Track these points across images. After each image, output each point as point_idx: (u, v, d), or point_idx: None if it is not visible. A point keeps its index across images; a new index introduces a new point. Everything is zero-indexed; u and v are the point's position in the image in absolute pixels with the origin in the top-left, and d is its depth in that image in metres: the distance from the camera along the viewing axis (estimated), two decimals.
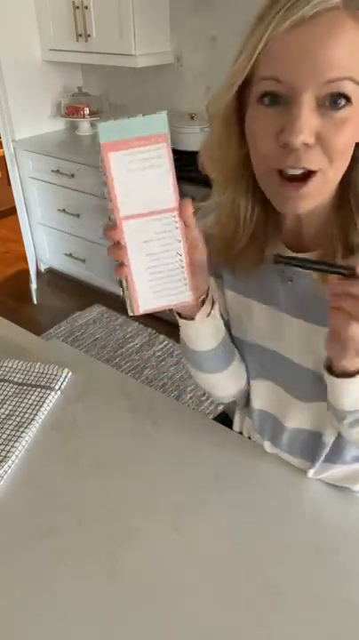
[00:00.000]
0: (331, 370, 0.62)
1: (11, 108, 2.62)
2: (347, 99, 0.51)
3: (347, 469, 0.79)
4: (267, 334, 0.76)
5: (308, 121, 0.52)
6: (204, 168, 0.68)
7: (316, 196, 0.58)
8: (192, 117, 2.33)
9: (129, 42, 2.23)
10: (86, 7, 2.29)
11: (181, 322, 0.71)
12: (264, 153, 0.57)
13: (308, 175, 0.56)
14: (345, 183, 0.60)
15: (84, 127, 2.77)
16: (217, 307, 0.71)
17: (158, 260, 0.59)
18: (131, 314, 0.62)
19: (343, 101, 0.51)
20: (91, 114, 2.74)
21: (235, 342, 0.82)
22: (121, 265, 0.58)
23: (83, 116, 2.73)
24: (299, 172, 0.55)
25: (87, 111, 2.73)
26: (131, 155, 0.53)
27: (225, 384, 0.83)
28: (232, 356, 0.80)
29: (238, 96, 0.57)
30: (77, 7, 2.32)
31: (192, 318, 0.69)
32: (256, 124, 0.56)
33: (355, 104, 0.52)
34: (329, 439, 0.76)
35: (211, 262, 0.77)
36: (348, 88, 0.51)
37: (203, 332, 0.72)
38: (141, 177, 0.55)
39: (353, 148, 0.57)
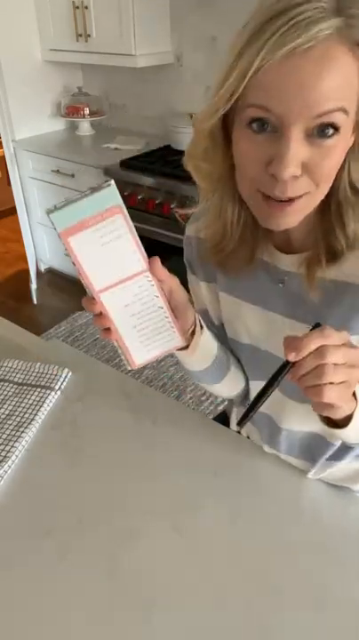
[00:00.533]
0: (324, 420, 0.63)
1: (12, 108, 2.63)
2: (336, 128, 0.51)
3: (346, 468, 0.79)
4: (260, 336, 0.76)
5: (297, 154, 0.51)
6: (193, 176, 0.67)
7: (300, 213, 0.58)
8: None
9: (129, 42, 2.23)
10: (86, 7, 2.29)
11: (179, 355, 0.73)
12: (251, 177, 0.56)
13: (292, 199, 0.55)
14: (329, 190, 0.60)
15: (84, 127, 2.77)
16: (205, 331, 0.72)
17: (142, 317, 0.62)
18: (129, 368, 0.67)
19: (331, 131, 0.51)
20: (91, 114, 2.74)
21: (231, 345, 0.82)
22: (107, 330, 0.62)
23: (83, 116, 2.73)
24: (284, 199, 0.55)
25: (87, 111, 2.73)
26: (89, 234, 0.55)
27: (224, 390, 0.85)
28: (228, 367, 0.81)
29: (224, 114, 0.56)
30: (77, 7, 2.32)
31: (184, 347, 0.70)
32: (244, 148, 0.55)
33: (342, 131, 0.52)
34: (337, 440, 0.76)
35: (204, 267, 0.79)
36: (338, 118, 0.50)
37: (196, 358, 0.74)
38: (105, 251, 0.56)
39: (339, 166, 0.56)
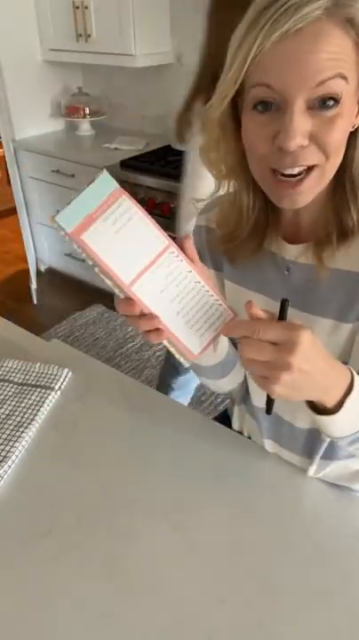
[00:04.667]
0: (312, 407, 0.61)
1: (11, 108, 2.62)
2: (336, 100, 0.53)
3: (345, 467, 0.79)
4: None
5: (301, 125, 0.54)
6: (206, 168, 0.69)
7: (314, 189, 0.60)
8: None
9: (129, 42, 2.23)
10: (86, 7, 2.29)
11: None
12: (261, 154, 0.59)
13: (306, 171, 0.58)
14: (340, 169, 0.62)
15: (84, 127, 2.77)
16: None
17: (183, 299, 0.57)
18: (187, 365, 0.60)
19: (332, 102, 0.53)
20: (91, 114, 2.74)
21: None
22: (156, 331, 0.56)
23: (84, 116, 2.73)
24: (296, 170, 0.57)
25: (87, 111, 2.73)
26: (100, 226, 0.52)
27: (227, 384, 0.85)
28: (232, 366, 0.81)
29: (232, 101, 0.59)
30: (77, 7, 2.32)
31: None
32: (251, 129, 0.58)
33: (344, 99, 0.54)
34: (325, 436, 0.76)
35: (212, 256, 0.80)
36: (337, 87, 0.53)
37: (208, 356, 0.72)
38: (122, 238, 0.53)
39: (347, 138, 0.58)
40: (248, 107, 0.57)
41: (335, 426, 0.61)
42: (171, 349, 0.58)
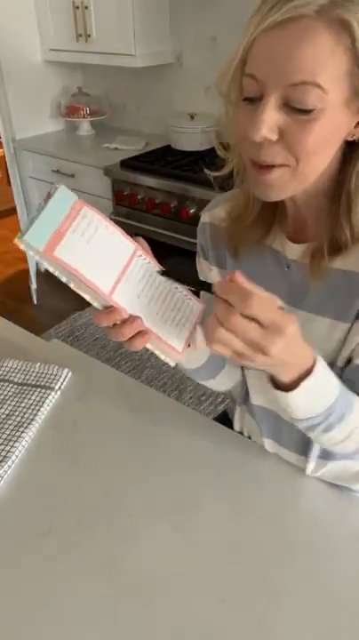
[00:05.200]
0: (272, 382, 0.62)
1: (12, 108, 2.62)
2: (306, 108, 0.53)
3: (345, 468, 0.79)
4: None
5: (270, 118, 0.54)
6: (217, 148, 0.70)
7: (284, 186, 0.60)
8: (192, 117, 2.32)
9: (129, 42, 2.23)
10: (86, 7, 2.29)
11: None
12: (241, 144, 0.60)
13: (272, 165, 0.58)
14: (341, 175, 0.62)
15: (84, 127, 2.77)
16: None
17: (159, 299, 0.58)
18: (174, 364, 0.60)
19: (306, 106, 0.53)
20: (91, 114, 2.74)
21: None
22: (139, 335, 0.56)
23: (84, 116, 2.73)
24: (262, 163, 0.58)
25: (87, 111, 2.73)
26: (70, 238, 0.52)
27: (217, 385, 0.85)
28: (222, 365, 0.81)
29: (240, 82, 0.59)
30: (77, 7, 2.31)
31: None
32: (237, 117, 0.60)
33: (323, 107, 0.53)
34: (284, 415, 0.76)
35: (216, 252, 0.81)
36: (310, 94, 0.52)
37: (191, 356, 0.73)
38: (93, 248, 0.53)
39: (331, 148, 0.58)
40: (241, 97, 0.58)
41: (290, 405, 0.61)
42: (156, 351, 0.59)
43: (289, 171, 0.58)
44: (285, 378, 0.58)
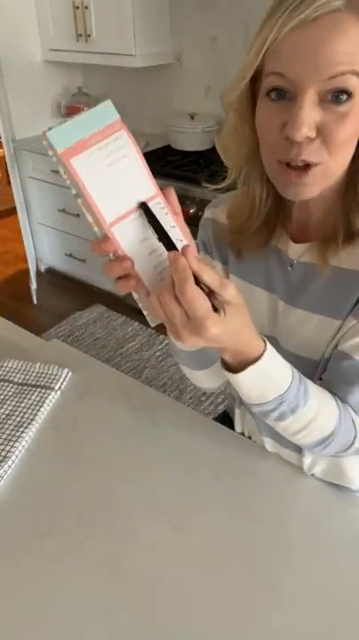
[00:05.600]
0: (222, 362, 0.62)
1: (12, 108, 2.62)
2: (349, 94, 0.53)
3: (344, 469, 0.79)
4: (266, 321, 0.78)
5: (310, 116, 0.54)
6: (221, 156, 0.69)
7: (317, 184, 0.60)
8: (192, 117, 2.33)
9: (129, 42, 2.23)
10: (86, 7, 2.29)
11: None
12: (270, 144, 0.59)
13: (309, 166, 0.58)
14: (352, 169, 0.62)
15: None
16: None
17: (162, 254, 0.53)
18: (154, 324, 0.57)
19: (344, 96, 0.53)
20: None
21: None
22: (126, 277, 0.53)
23: None
24: (300, 163, 0.57)
25: None
26: (93, 154, 0.48)
27: (207, 379, 0.85)
28: (211, 363, 0.81)
29: (251, 87, 0.59)
30: (77, 7, 2.32)
31: None
32: (263, 116, 0.59)
33: (357, 97, 0.54)
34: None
35: (218, 249, 0.81)
36: (351, 82, 0.53)
37: None
38: (112, 174, 0.50)
39: (356, 139, 0.59)
40: (262, 94, 0.57)
41: (239, 386, 0.61)
42: (140, 304, 0.56)
43: (322, 168, 0.58)
44: (227, 359, 0.59)
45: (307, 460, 0.79)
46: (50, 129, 0.47)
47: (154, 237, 0.53)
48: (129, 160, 0.51)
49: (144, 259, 0.53)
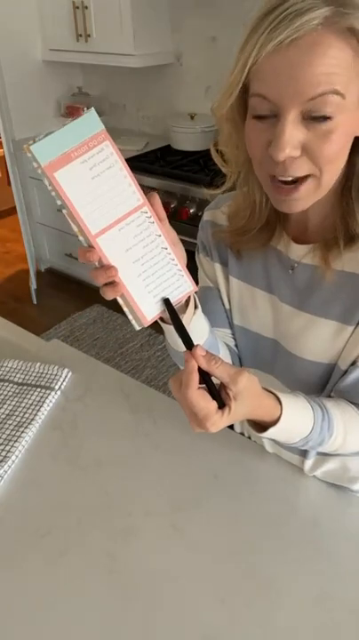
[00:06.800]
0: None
1: (11, 108, 2.62)
2: (328, 116, 0.53)
3: (344, 469, 0.79)
4: (268, 323, 0.78)
5: (292, 136, 0.54)
6: (218, 163, 0.70)
7: (310, 197, 0.60)
8: (192, 117, 2.33)
9: (129, 42, 2.23)
10: (86, 7, 2.29)
11: (165, 327, 0.68)
12: (258, 160, 0.60)
13: (300, 180, 0.58)
14: (348, 175, 0.62)
15: None
16: (199, 311, 0.69)
17: (147, 262, 0.55)
18: (138, 328, 0.58)
19: (324, 117, 0.53)
20: None
21: (237, 332, 0.82)
22: (112, 284, 0.55)
23: None
24: (289, 178, 0.58)
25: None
26: (77, 166, 0.49)
27: None
28: (217, 353, 0.80)
29: (242, 96, 0.59)
30: (77, 7, 2.32)
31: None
32: (249, 134, 0.59)
33: (339, 114, 0.53)
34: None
35: (218, 250, 0.81)
36: (330, 103, 0.52)
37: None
38: (97, 185, 0.51)
39: (347, 149, 0.59)
40: (249, 113, 0.58)
41: (264, 440, 0.68)
42: (125, 309, 0.57)
43: (314, 180, 0.58)
44: (248, 422, 0.65)
45: (309, 462, 0.79)
46: (33, 142, 0.47)
47: (139, 247, 0.54)
48: (114, 170, 0.51)
49: (129, 267, 0.54)
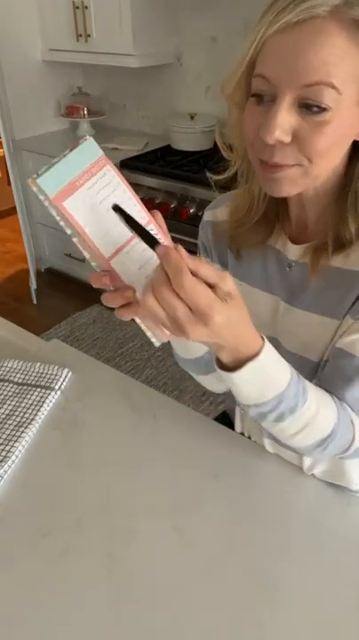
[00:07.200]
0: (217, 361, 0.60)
1: (12, 108, 2.62)
2: (320, 107, 0.53)
3: (343, 469, 0.79)
4: (266, 322, 0.78)
5: (284, 120, 0.54)
6: (223, 150, 0.71)
7: (296, 182, 0.60)
8: (192, 117, 2.33)
9: (129, 42, 2.23)
10: (86, 7, 2.29)
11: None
12: (250, 142, 0.60)
13: (289, 165, 0.58)
14: (347, 179, 0.62)
15: (84, 127, 2.77)
16: None
17: None
18: (158, 344, 0.57)
19: (316, 108, 0.53)
20: (91, 114, 2.74)
21: None
22: (128, 305, 0.54)
23: (83, 116, 2.73)
24: (271, 163, 0.58)
25: (87, 111, 2.73)
26: (84, 194, 0.50)
27: (210, 384, 0.85)
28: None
29: (248, 80, 0.59)
30: (77, 7, 2.32)
31: None
32: (246, 116, 0.60)
33: (337, 108, 0.53)
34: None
35: (218, 250, 0.82)
36: (325, 95, 0.52)
37: (191, 344, 0.72)
38: (105, 209, 0.51)
39: (342, 148, 0.59)
40: (250, 94, 0.58)
41: (236, 386, 0.59)
42: (143, 326, 0.56)
43: (300, 170, 0.58)
44: (224, 358, 0.57)
45: (308, 460, 0.79)
46: (37, 175, 0.48)
47: (150, 263, 0.53)
48: (118, 193, 0.52)
49: (143, 284, 0.53)
